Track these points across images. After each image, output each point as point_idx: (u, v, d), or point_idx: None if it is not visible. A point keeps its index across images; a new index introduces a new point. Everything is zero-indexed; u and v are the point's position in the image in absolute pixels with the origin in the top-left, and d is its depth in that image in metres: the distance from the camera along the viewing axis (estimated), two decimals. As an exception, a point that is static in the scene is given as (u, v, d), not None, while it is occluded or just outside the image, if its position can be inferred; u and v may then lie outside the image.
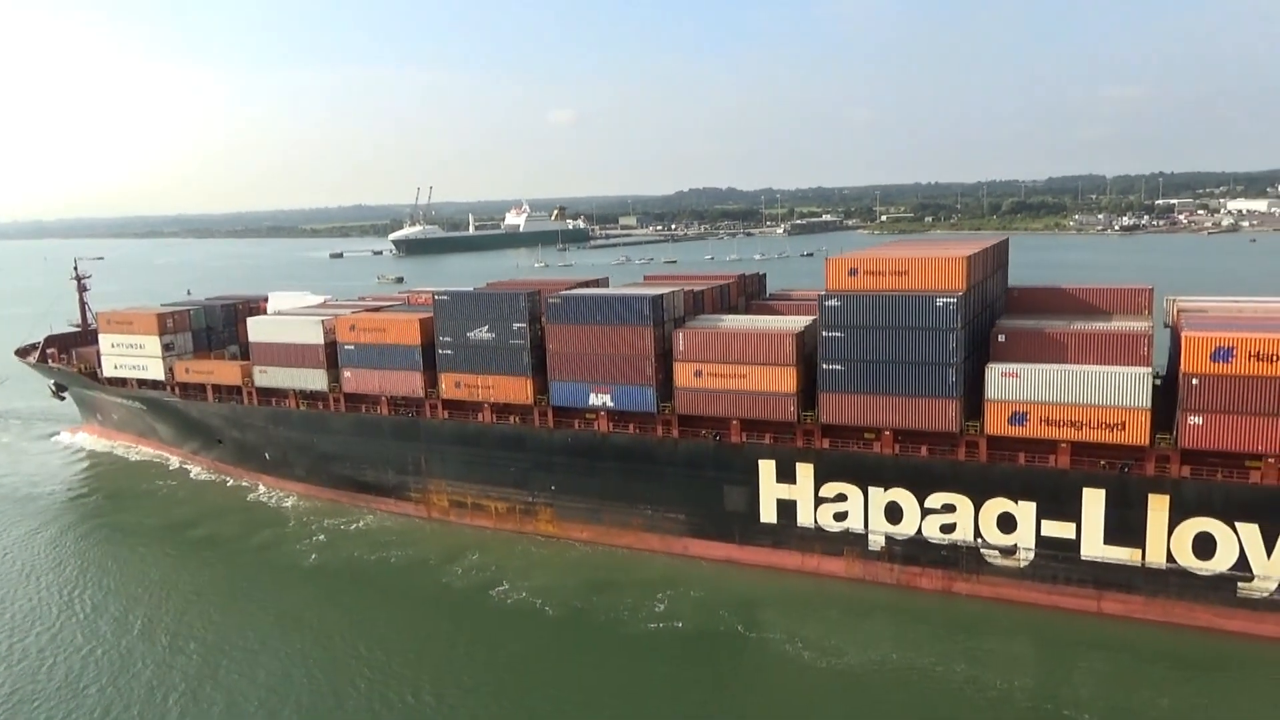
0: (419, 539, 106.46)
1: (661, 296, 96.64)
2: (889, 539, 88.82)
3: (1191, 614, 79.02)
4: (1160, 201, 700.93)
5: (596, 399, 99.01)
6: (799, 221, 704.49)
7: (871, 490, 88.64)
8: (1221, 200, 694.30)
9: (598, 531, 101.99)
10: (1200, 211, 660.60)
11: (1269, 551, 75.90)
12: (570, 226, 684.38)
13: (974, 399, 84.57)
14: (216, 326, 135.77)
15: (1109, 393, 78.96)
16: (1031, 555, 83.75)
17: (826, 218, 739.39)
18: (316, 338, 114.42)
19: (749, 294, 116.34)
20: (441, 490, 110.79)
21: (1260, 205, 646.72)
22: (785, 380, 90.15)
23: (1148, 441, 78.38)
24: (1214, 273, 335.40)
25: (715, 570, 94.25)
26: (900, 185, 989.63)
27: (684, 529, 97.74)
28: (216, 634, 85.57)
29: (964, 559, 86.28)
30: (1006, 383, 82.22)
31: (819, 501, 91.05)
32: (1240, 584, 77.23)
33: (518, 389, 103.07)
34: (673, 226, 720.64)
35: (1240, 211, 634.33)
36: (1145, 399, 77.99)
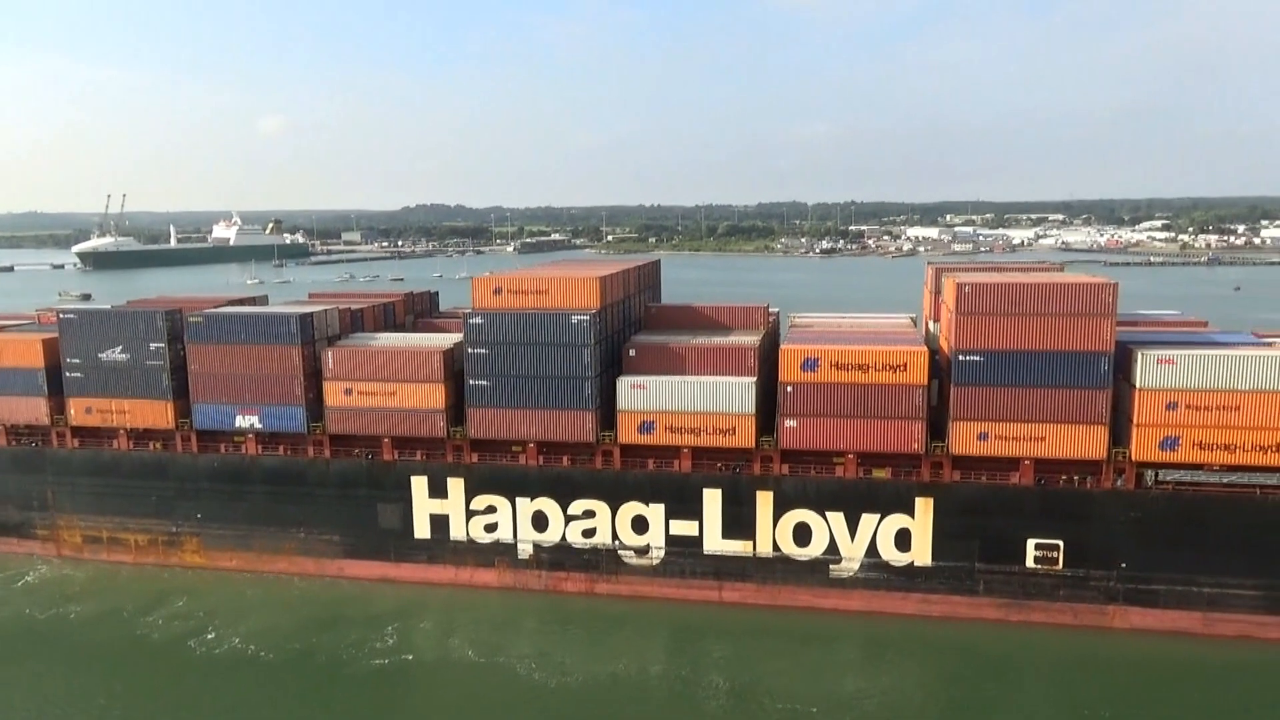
0: (111, 588, 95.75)
1: (311, 315, 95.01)
2: (537, 547, 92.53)
3: (795, 596, 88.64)
4: (853, 228, 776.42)
5: (244, 421, 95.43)
6: (529, 240, 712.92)
7: (519, 501, 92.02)
8: (903, 228, 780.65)
9: (248, 559, 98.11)
10: (885, 237, 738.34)
11: (852, 535, 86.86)
12: (288, 241, 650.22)
13: (610, 410, 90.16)
14: None
15: (721, 400, 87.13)
16: (662, 553, 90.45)
17: (555, 237, 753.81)
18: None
19: (418, 311, 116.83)
20: (73, 525, 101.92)
21: (933, 233, 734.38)
22: (434, 397, 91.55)
23: (754, 444, 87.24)
24: (889, 289, 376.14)
25: (448, 597, 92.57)
26: (626, 207, 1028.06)
27: (339, 550, 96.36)
28: None
29: (604, 561, 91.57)
30: (635, 394, 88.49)
31: (470, 515, 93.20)
32: (831, 566, 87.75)
33: (157, 413, 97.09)
34: (399, 243, 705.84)
35: (918, 238, 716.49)
36: (751, 406, 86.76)
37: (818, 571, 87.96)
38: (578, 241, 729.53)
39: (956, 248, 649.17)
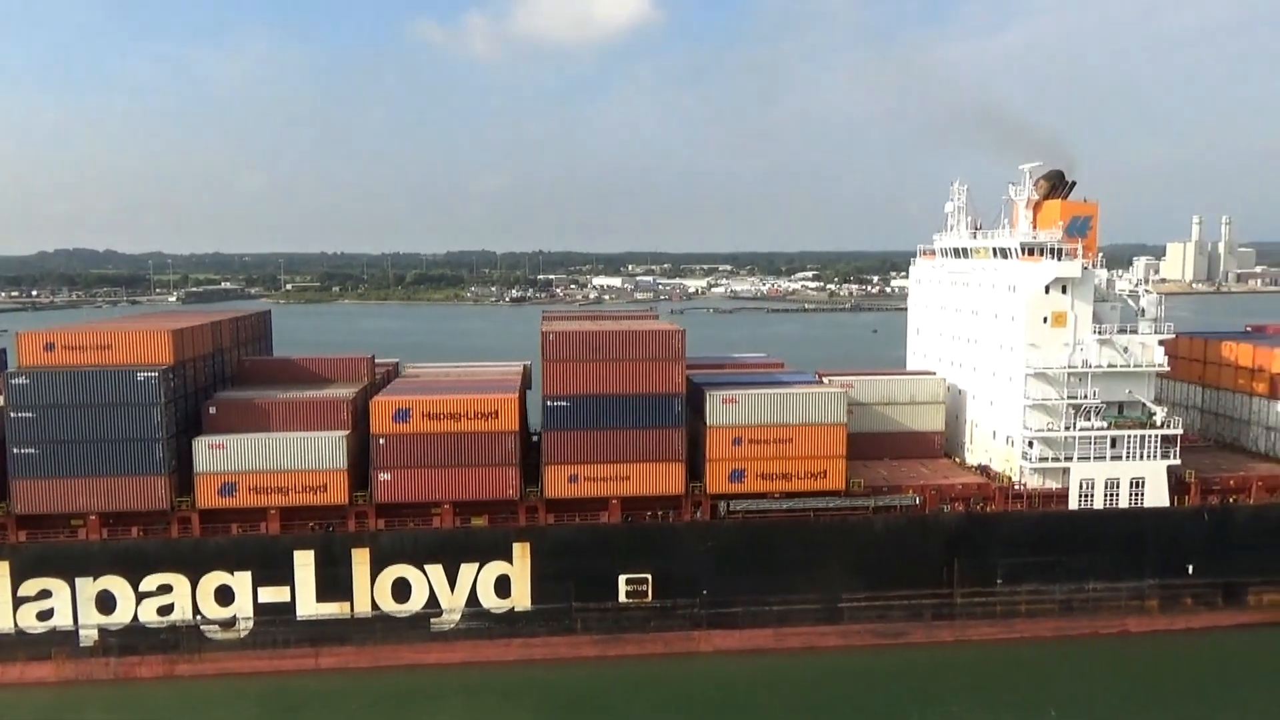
0: None
1: None
2: (103, 631, 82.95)
3: (397, 654, 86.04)
4: (541, 276, 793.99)
5: None
6: (195, 289, 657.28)
7: (79, 581, 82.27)
8: (589, 277, 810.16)
9: None
10: (573, 286, 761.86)
11: (452, 587, 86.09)
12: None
13: (189, 473, 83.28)
14: None
15: (310, 457, 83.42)
16: (251, 624, 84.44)
17: (227, 285, 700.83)
18: None
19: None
20: None
21: (616, 282, 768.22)
22: (-32, 470, 79.80)
23: (347, 500, 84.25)
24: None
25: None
26: (306, 254, 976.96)
27: None
28: None
29: (185, 639, 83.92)
30: (215, 454, 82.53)
31: (19, 602, 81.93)
32: (432, 619, 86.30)
33: None
34: (34, 293, 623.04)
35: (603, 286, 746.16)
36: (342, 461, 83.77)
37: (419, 626, 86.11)
38: (252, 291, 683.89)
39: (639, 295, 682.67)
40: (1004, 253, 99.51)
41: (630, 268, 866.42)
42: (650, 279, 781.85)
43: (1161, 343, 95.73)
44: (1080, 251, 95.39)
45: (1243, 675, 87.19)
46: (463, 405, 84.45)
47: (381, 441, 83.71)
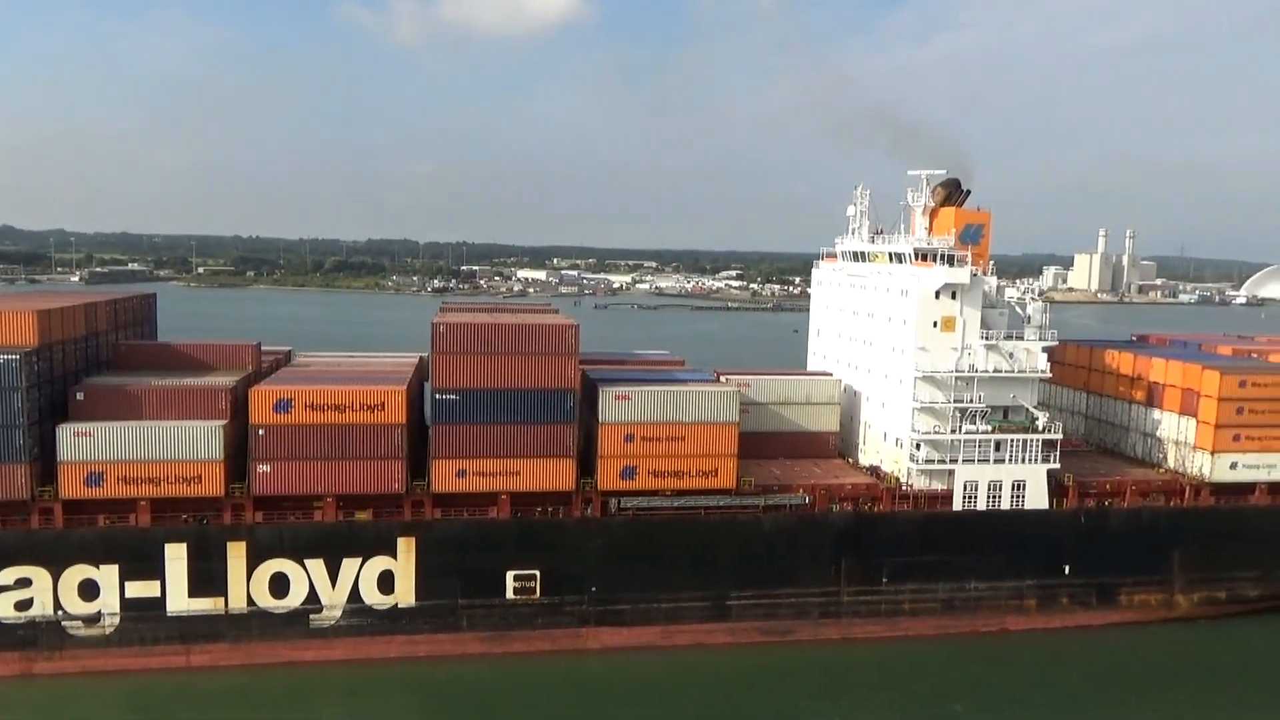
0: None
1: None
2: (-45, 627, 78.53)
3: (273, 652, 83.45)
4: (465, 267, 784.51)
5: None
6: (100, 269, 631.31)
7: (-71, 575, 77.66)
8: (514, 269, 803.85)
9: None
10: (497, 278, 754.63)
11: (333, 582, 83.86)
12: None
13: (54, 462, 79.33)
14: None
15: (184, 447, 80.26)
16: (117, 620, 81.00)
17: (134, 266, 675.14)
18: None
19: None
20: None
21: (541, 275, 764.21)
22: None
23: (223, 492, 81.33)
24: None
25: None
26: (219, 237, 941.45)
27: None
28: None
29: (44, 636, 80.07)
30: (81, 442, 78.86)
31: None
32: (312, 616, 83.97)
33: None
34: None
35: (527, 279, 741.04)
36: (218, 451, 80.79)
37: (297, 623, 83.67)
38: (162, 273, 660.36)
39: (564, 289, 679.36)
40: (899, 257, 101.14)
41: (555, 261, 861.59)
42: (575, 273, 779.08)
43: (1046, 350, 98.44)
44: (971, 258, 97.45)
45: (1119, 673, 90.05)
46: (347, 396, 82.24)
47: (261, 432, 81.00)
